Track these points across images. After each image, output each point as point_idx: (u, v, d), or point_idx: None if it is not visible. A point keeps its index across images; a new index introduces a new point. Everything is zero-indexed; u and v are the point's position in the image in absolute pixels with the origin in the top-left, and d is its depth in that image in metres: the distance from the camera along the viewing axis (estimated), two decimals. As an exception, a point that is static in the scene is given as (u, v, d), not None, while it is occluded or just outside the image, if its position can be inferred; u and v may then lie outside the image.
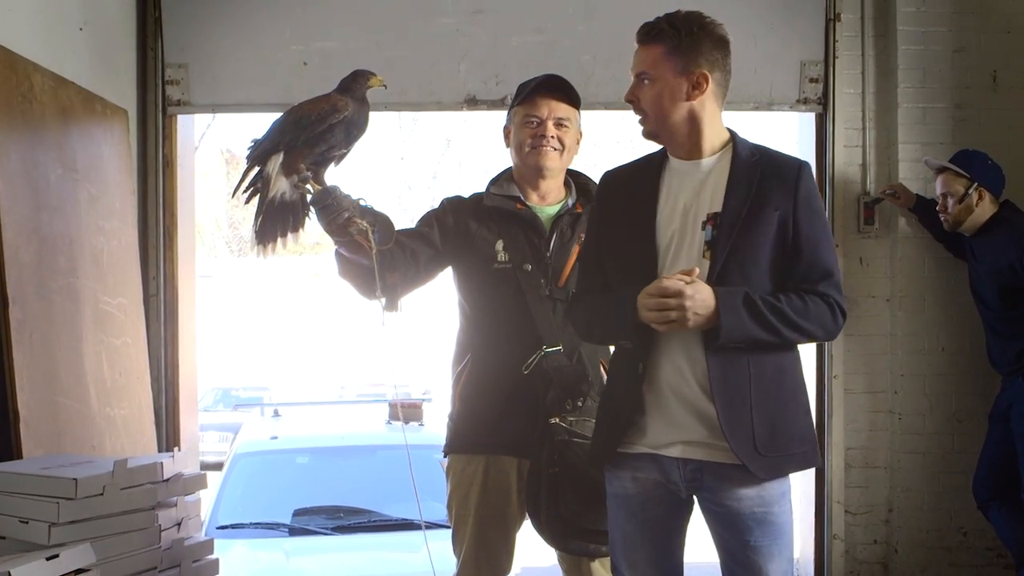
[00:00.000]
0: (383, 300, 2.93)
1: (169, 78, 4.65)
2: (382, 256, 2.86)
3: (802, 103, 4.80)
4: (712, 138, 2.54)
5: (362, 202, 2.82)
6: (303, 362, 19.04)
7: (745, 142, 2.57)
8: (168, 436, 4.65)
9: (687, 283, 2.36)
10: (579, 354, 2.98)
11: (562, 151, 3.06)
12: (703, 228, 2.47)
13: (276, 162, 2.82)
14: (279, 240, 2.82)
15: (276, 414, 6.66)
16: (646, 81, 2.51)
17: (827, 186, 4.76)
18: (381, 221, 2.84)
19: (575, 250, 3.02)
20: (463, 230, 3.06)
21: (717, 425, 2.42)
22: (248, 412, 10.08)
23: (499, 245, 3.03)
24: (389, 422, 6.07)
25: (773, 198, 2.47)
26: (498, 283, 3.02)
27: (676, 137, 2.53)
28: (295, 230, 2.83)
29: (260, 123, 2.99)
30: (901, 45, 4.67)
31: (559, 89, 3.08)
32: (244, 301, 20.66)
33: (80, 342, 3.69)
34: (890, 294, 4.77)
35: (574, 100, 3.09)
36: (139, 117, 4.59)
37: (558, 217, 3.08)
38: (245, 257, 25.23)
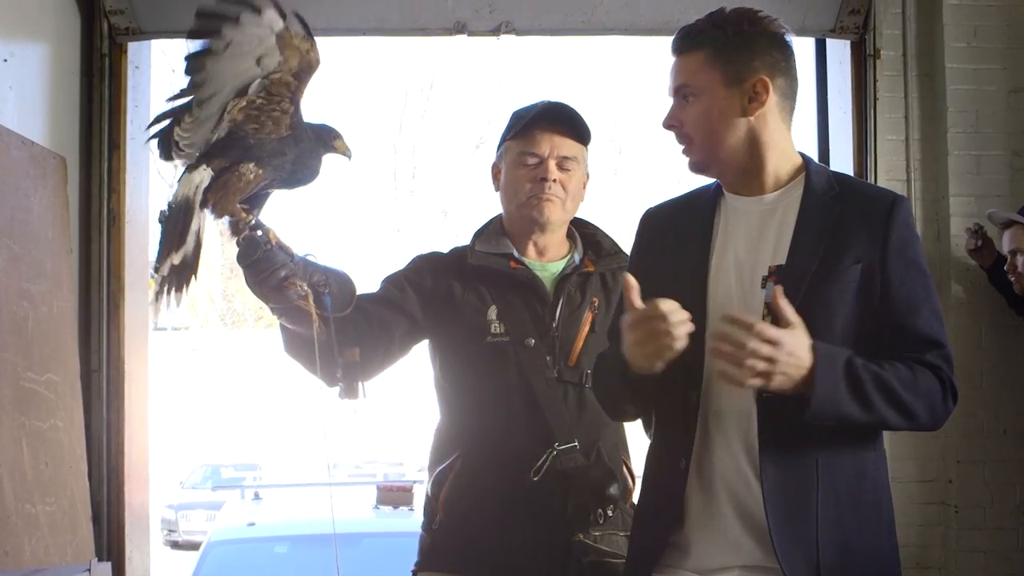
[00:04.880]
0: (340, 384, 2.37)
1: (111, 8, 4.09)
2: (338, 326, 2.28)
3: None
4: (778, 166, 2.01)
5: (310, 257, 2.24)
6: (296, 438, 18.83)
7: (822, 170, 2.05)
8: (110, 533, 4.03)
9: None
10: (598, 451, 2.41)
11: (566, 199, 2.50)
12: (763, 286, 1.94)
13: (200, 180, 2.15)
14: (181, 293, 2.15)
15: (256, 497, 6.48)
16: (689, 98, 2.00)
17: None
18: (336, 281, 2.27)
19: (587, 318, 2.47)
20: (445, 294, 2.50)
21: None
22: (229, 492, 9.70)
23: (492, 313, 2.47)
24: (377, 507, 5.92)
25: (854, 246, 1.95)
26: (493, 362, 2.45)
27: (732, 166, 2.01)
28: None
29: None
30: (950, 85, 4.22)
31: (564, 121, 2.52)
32: (236, 375, 20.42)
33: (-9, 427, 3.13)
34: (942, 368, 4.26)
35: (582, 136, 2.53)
36: (82, 164, 4.03)
37: (563, 277, 2.52)
38: (239, 330, 25.18)
